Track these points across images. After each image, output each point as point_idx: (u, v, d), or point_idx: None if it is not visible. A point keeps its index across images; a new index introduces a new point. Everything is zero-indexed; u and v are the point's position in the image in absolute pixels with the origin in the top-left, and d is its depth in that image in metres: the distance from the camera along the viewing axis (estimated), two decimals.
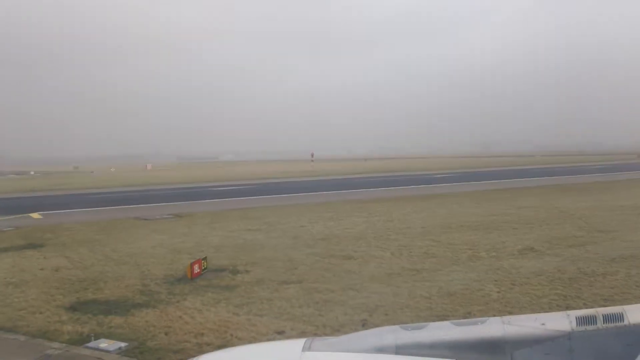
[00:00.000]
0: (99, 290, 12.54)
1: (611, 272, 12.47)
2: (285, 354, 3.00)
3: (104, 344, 8.74)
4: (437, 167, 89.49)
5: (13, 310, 11.12)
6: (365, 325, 9.18)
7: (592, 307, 3.06)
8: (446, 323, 2.91)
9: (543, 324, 2.71)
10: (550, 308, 9.89)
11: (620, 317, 2.66)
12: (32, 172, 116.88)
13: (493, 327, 2.76)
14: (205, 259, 14.18)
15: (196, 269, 13.48)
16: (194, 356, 3.15)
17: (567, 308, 9.16)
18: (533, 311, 9.34)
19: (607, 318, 2.67)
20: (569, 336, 2.64)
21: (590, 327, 2.65)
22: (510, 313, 9.40)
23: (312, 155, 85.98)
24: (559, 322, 2.71)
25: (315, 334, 8.85)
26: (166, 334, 9.27)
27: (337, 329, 9.03)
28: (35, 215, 29.99)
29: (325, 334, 8.94)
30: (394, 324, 3.16)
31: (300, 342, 2.92)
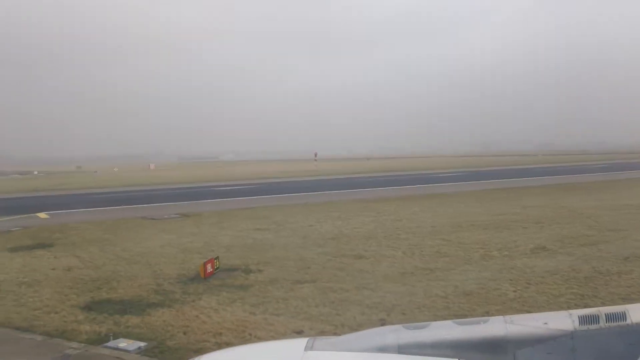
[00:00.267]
0: (112, 289, 12.53)
1: (626, 271, 12.44)
2: (287, 353, 2.99)
3: (123, 343, 8.73)
4: (439, 166, 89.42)
5: (28, 310, 11.11)
6: (383, 324, 9.15)
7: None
8: (448, 322, 2.90)
9: (545, 323, 2.70)
10: (569, 307, 9.83)
11: (622, 316, 2.64)
12: (35, 172, 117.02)
13: (495, 327, 2.75)
14: (217, 258, 14.16)
15: (209, 268, 13.46)
16: (196, 356, 3.13)
17: (586, 307, 9.14)
18: (552, 310, 9.32)
19: (610, 317, 2.65)
20: (571, 335, 2.62)
21: (592, 327, 2.63)
22: (529, 312, 9.38)
23: (316, 155, 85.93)
24: (562, 321, 2.70)
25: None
26: (184, 333, 9.25)
27: (356, 329, 9.00)
28: (42, 215, 29.99)
29: (343, 334, 8.93)
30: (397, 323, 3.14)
31: (302, 342, 2.91)
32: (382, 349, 2.75)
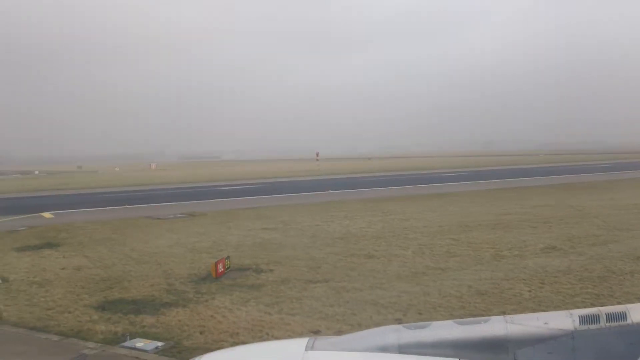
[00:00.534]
0: (124, 289, 12.50)
1: (639, 271, 12.41)
2: (288, 353, 2.98)
3: (140, 343, 8.70)
4: (441, 165, 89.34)
5: (41, 309, 11.08)
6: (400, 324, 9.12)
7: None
8: (449, 322, 2.88)
9: (546, 323, 2.68)
10: (585, 307, 9.81)
11: (623, 316, 2.63)
12: (36, 172, 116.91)
13: (496, 326, 2.73)
14: (228, 258, 14.14)
15: (220, 268, 13.43)
16: (197, 355, 3.12)
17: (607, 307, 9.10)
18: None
19: (610, 317, 2.63)
20: (572, 335, 2.61)
21: (593, 326, 2.62)
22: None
23: (318, 155, 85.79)
24: (562, 321, 2.68)
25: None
26: (201, 333, 9.22)
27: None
28: (46, 214, 29.95)
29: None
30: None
31: (303, 341, 2.90)
32: (383, 349, 2.74)
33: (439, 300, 10.60)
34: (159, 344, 8.64)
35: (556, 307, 9.83)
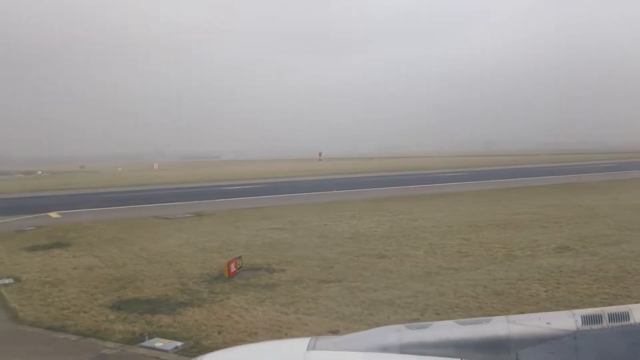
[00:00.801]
0: (138, 289, 12.48)
1: None
2: (290, 352, 2.98)
3: (159, 343, 8.68)
4: (442, 165, 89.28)
5: (56, 309, 11.07)
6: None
7: None
8: (451, 322, 2.86)
9: (548, 323, 2.66)
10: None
11: (626, 316, 2.61)
12: (39, 172, 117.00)
13: (498, 326, 2.72)
14: (240, 257, 14.11)
15: (232, 267, 13.41)
16: (199, 355, 3.11)
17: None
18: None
19: (613, 317, 2.62)
20: (574, 335, 2.59)
21: (595, 326, 2.60)
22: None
23: (320, 155, 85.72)
24: (565, 321, 2.66)
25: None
26: (219, 332, 9.21)
27: None
28: (53, 214, 29.96)
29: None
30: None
31: (304, 341, 2.89)
32: (384, 349, 2.73)
33: (455, 300, 10.57)
34: (178, 343, 8.62)
35: (575, 308, 9.79)
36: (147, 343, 8.72)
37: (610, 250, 14.79)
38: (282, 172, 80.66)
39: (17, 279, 14.02)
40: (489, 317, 2.83)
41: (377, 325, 9.13)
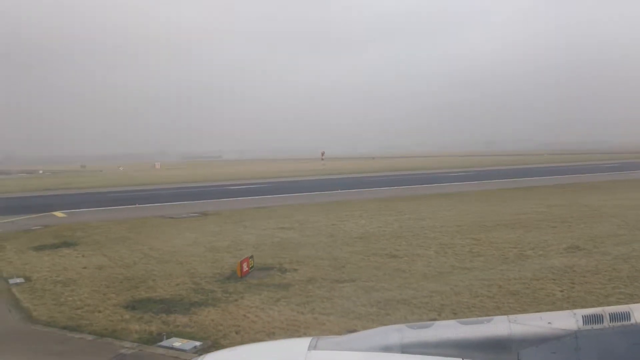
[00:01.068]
0: (150, 288, 12.44)
1: None
2: (291, 352, 2.97)
3: (177, 342, 8.65)
4: (444, 165, 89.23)
5: (70, 309, 11.03)
6: None
7: None
8: (452, 322, 2.85)
9: (549, 323, 2.66)
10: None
11: (627, 315, 2.60)
12: (40, 171, 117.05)
13: (499, 326, 2.71)
14: (252, 257, 14.08)
15: (244, 267, 13.38)
16: (200, 355, 3.09)
17: None
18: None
19: (614, 317, 2.61)
20: (575, 335, 2.59)
21: (596, 326, 2.60)
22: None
23: (323, 154, 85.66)
24: (566, 321, 2.66)
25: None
26: (237, 332, 9.17)
27: None
28: (58, 213, 29.92)
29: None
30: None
31: (306, 341, 2.88)
32: (386, 349, 2.72)
33: (471, 300, 10.54)
34: (197, 343, 8.59)
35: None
36: (165, 343, 8.68)
37: (621, 250, 14.75)
38: (285, 171, 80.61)
39: (27, 279, 13.99)
40: (490, 317, 2.82)
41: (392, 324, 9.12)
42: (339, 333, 8.94)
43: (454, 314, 9.67)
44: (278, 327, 9.36)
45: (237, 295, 11.53)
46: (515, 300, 10.43)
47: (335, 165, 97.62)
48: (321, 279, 12.64)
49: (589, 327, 2.60)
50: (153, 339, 8.97)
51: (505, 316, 2.79)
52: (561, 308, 9.83)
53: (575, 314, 2.69)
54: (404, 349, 2.70)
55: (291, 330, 9.13)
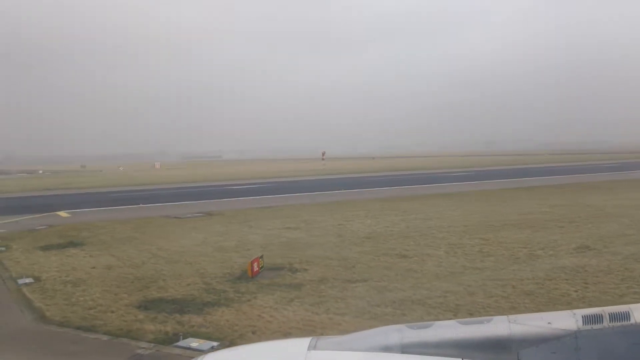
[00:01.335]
0: (161, 288, 12.39)
1: None
2: (291, 352, 2.96)
3: (194, 343, 8.61)
4: (444, 165, 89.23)
5: (83, 309, 10.98)
6: None
7: None
8: (452, 322, 2.84)
9: (549, 323, 2.66)
10: None
11: (626, 315, 2.60)
12: (40, 171, 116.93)
13: (499, 326, 2.71)
14: (262, 257, 14.03)
15: (255, 267, 13.34)
16: (200, 355, 3.07)
17: None
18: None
19: (614, 317, 2.61)
20: (575, 335, 2.59)
21: (596, 326, 2.59)
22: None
23: (323, 154, 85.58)
24: (566, 321, 2.65)
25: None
26: (253, 332, 9.13)
27: None
28: (62, 213, 29.85)
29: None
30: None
31: (305, 341, 2.87)
32: (386, 349, 2.72)
33: (486, 300, 10.51)
34: (214, 343, 8.55)
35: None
36: (181, 343, 8.64)
37: (631, 249, 14.72)
38: (286, 171, 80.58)
39: (36, 279, 13.94)
40: (490, 317, 2.81)
41: None
42: None
43: (470, 315, 9.63)
44: (294, 327, 9.32)
45: (249, 295, 11.49)
46: (530, 300, 10.40)
47: (336, 165, 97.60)
48: (333, 279, 12.61)
49: (588, 327, 2.60)
50: (169, 339, 8.93)
51: (505, 316, 2.79)
52: (576, 308, 9.80)
53: (575, 314, 2.69)
54: (404, 349, 2.70)
55: (307, 331, 9.08)
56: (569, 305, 10.03)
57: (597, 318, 2.62)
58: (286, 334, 8.94)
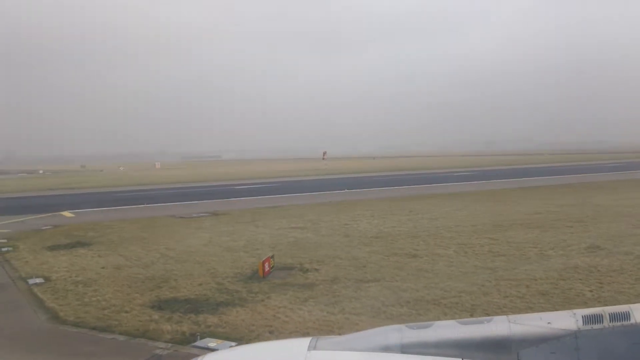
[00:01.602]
0: (174, 288, 12.35)
1: None
2: (291, 352, 2.96)
3: (212, 343, 8.58)
4: (446, 165, 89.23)
5: (97, 309, 10.94)
6: None
7: None
8: (452, 322, 2.84)
9: (549, 323, 2.66)
10: None
11: (626, 315, 2.60)
12: (40, 171, 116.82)
13: (499, 326, 2.71)
14: (272, 257, 14.00)
15: (266, 267, 13.30)
16: (200, 355, 3.06)
17: None
18: None
19: (614, 317, 2.61)
20: (575, 335, 2.59)
21: (596, 326, 2.59)
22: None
23: (325, 154, 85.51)
24: (565, 321, 2.65)
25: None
26: (271, 332, 9.09)
27: None
28: (66, 213, 29.81)
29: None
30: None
31: (305, 341, 2.87)
32: (386, 349, 2.72)
33: (501, 300, 10.48)
34: (233, 344, 8.50)
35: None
36: (199, 343, 8.61)
37: None
38: (288, 171, 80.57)
39: (47, 279, 13.89)
40: (490, 317, 2.81)
41: None
42: None
43: (487, 314, 9.60)
44: (311, 327, 9.28)
45: (262, 295, 11.46)
46: (546, 300, 10.37)
47: (337, 165, 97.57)
48: (345, 279, 12.57)
49: (588, 327, 2.60)
50: (187, 340, 8.89)
51: (505, 316, 2.79)
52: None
53: (575, 314, 2.69)
54: (404, 349, 2.70)
55: (325, 331, 9.05)
56: (585, 305, 10.01)
57: (597, 318, 2.62)
58: (304, 334, 8.90)
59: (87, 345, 8.98)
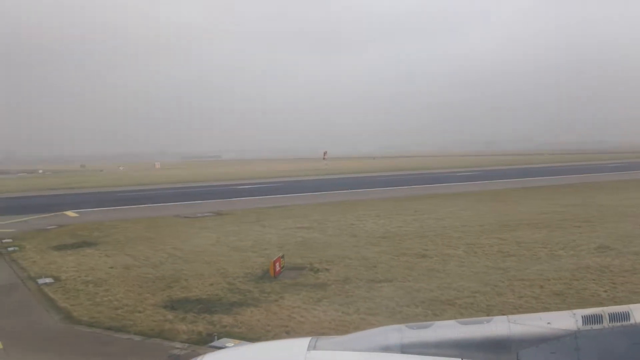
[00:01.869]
0: (185, 288, 12.31)
1: None
2: (291, 352, 2.97)
3: (229, 343, 8.53)
4: (447, 165, 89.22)
5: (109, 309, 10.90)
6: None
7: None
8: (452, 322, 2.84)
9: (549, 323, 2.66)
10: None
11: (626, 316, 2.60)
12: (40, 171, 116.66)
13: (499, 326, 2.71)
14: (283, 257, 13.96)
15: (277, 267, 13.27)
16: (200, 355, 3.04)
17: None
18: None
19: (614, 317, 2.61)
20: (575, 335, 2.59)
21: (596, 326, 2.60)
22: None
23: (325, 154, 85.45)
24: (565, 321, 2.66)
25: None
26: (287, 332, 9.06)
27: None
28: (70, 213, 29.74)
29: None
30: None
31: (305, 341, 2.87)
32: (386, 349, 2.72)
33: (516, 300, 10.45)
34: (249, 343, 8.45)
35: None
36: (217, 343, 8.57)
37: None
38: (288, 171, 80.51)
39: (56, 279, 13.85)
40: (490, 317, 2.81)
41: None
42: None
43: (502, 314, 9.56)
44: (327, 327, 9.25)
45: (275, 295, 11.42)
46: (561, 300, 10.34)
47: (337, 165, 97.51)
48: (356, 279, 12.54)
49: (588, 327, 2.60)
50: (203, 340, 8.86)
51: (505, 316, 2.79)
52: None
53: (574, 314, 2.69)
54: (404, 349, 2.70)
55: (342, 331, 8.99)
56: (601, 305, 9.95)
57: (597, 318, 2.63)
58: (320, 334, 8.84)
59: (103, 346, 8.94)
